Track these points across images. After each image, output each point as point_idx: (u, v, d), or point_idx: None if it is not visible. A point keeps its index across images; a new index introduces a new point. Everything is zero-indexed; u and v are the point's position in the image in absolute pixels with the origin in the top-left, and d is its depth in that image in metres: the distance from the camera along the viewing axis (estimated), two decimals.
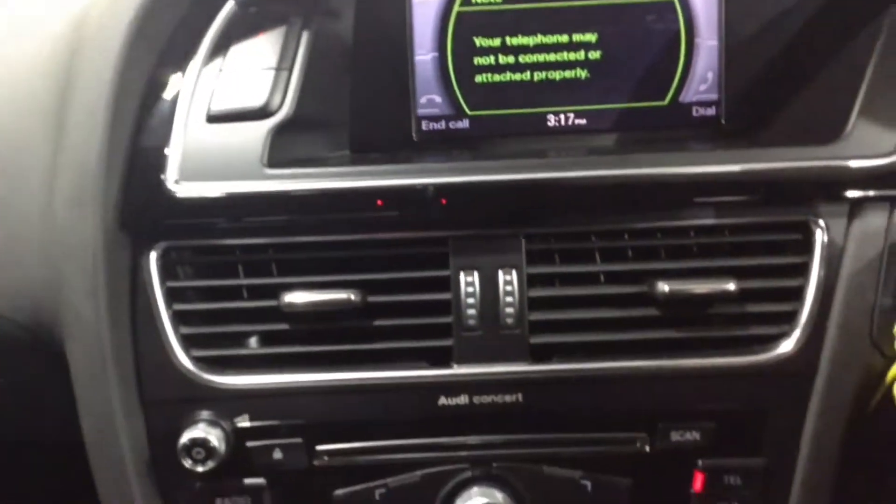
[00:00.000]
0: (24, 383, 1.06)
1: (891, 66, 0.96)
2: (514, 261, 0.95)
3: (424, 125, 1.07)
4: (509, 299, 0.94)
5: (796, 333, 0.94)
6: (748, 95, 1.05)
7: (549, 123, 1.07)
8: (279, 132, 0.96)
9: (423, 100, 1.06)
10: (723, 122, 1.06)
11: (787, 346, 0.94)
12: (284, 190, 0.93)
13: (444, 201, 0.94)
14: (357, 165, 0.98)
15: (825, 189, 0.94)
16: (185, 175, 0.93)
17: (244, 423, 0.95)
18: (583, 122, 1.06)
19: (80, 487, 1.00)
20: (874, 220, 0.93)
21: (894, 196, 0.93)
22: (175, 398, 0.95)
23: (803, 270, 0.95)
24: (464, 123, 1.07)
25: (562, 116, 1.06)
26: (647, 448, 0.96)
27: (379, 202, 0.94)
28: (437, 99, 1.06)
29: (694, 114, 1.07)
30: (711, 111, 1.06)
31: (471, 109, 1.06)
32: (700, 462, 0.97)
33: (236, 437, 0.95)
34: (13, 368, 1.04)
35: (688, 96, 1.06)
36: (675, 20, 1.04)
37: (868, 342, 0.93)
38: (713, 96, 1.06)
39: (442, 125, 1.07)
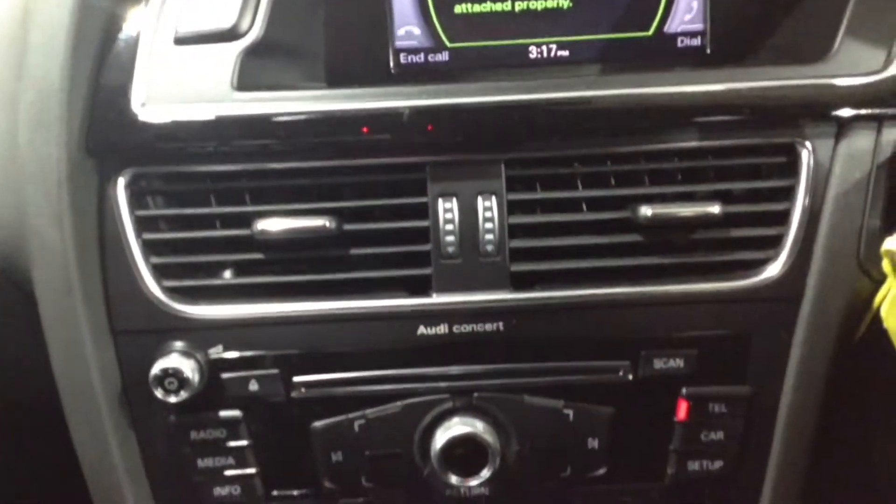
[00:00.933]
0: None
1: None
2: (494, 187, 0.93)
3: (403, 58, 1.03)
4: (489, 226, 0.92)
5: (782, 257, 0.92)
6: (733, 24, 1.02)
7: (530, 55, 1.03)
8: (249, 56, 0.93)
9: (400, 31, 1.02)
10: (708, 52, 1.03)
11: (772, 270, 0.93)
12: (254, 114, 0.90)
13: (430, 127, 0.91)
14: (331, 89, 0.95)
15: (811, 109, 0.91)
16: (151, 98, 0.90)
17: (218, 354, 0.93)
18: (565, 53, 1.03)
19: (58, 451, 0.98)
20: (861, 141, 0.91)
21: (882, 115, 0.91)
22: (146, 329, 0.93)
23: (789, 194, 0.93)
24: (443, 56, 1.03)
25: (544, 48, 1.03)
26: (630, 376, 0.95)
27: (364, 129, 0.91)
28: (416, 31, 1.02)
29: (679, 44, 1.03)
30: (696, 41, 1.03)
31: (450, 41, 1.02)
32: (684, 390, 0.95)
33: (210, 369, 0.93)
34: None
35: (672, 26, 1.02)
36: None
37: (855, 265, 0.91)
38: (698, 26, 1.03)
39: (421, 58, 1.03)
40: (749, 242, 0.94)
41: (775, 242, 0.93)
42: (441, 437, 0.93)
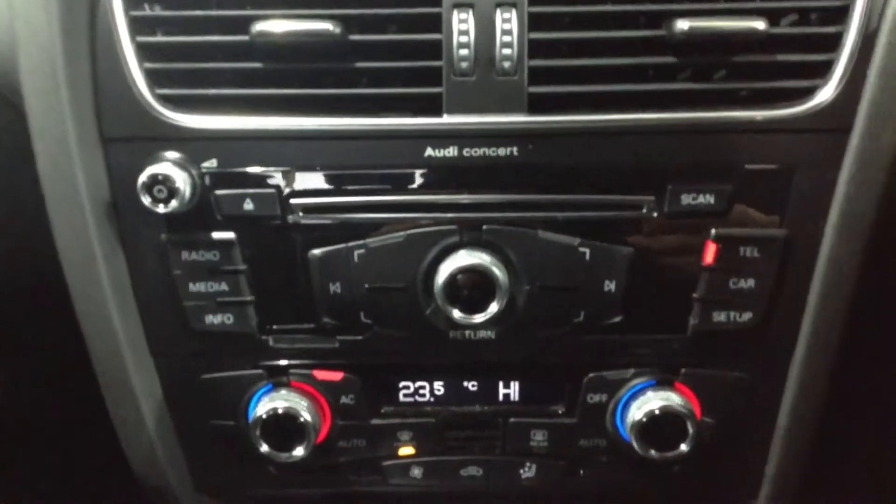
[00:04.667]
0: None
1: None
2: None
3: None
4: (507, 40, 0.84)
5: (832, 84, 0.84)
6: None
7: None
8: None
9: None
10: None
11: (821, 97, 0.84)
12: None
13: None
14: None
15: None
16: None
17: (212, 167, 0.87)
18: None
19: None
20: None
21: None
22: (137, 136, 0.87)
23: (843, 14, 0.84)
24: None
25: None
26: (655, 213, 0.87)
27: None
28: None
29: None
30: None
31: None
32: (713, 231, 0.87)
33: (203, 184, 0.87)
34: None
35: None
36: None
37: None
38: None
39: None
40: (796, 69, 0.85)
41: (825, 69, 0.84)
42: (446, 270, 0.86)
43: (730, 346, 0.92)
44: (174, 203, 0.84)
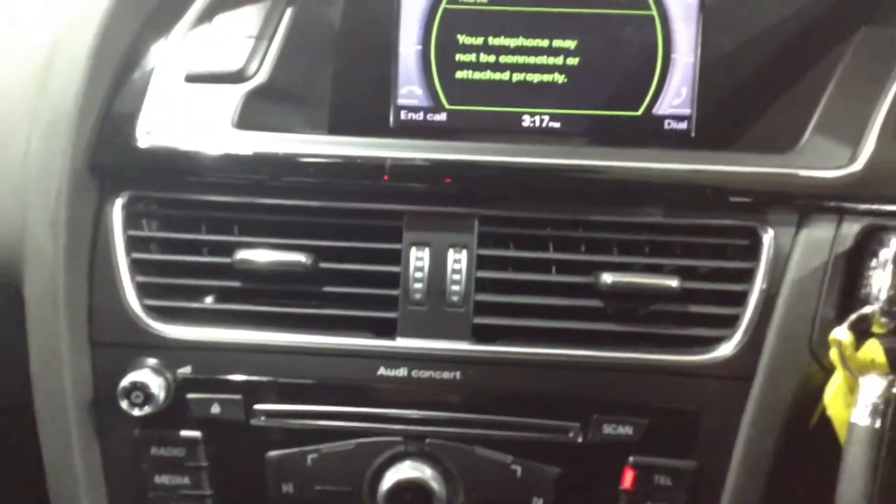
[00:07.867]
0: None
1: (851, 85, 0.97)
2: (466, 241, 0.97)
3: (403, 115, 1.09)
4: (457, 277, 0.96)
5: (737, 337, 0.95)
6: (718, 111, 1.07)
7: (523, 123, 1.08)
8: (253, 98, 1.00)
9: (403, 90, 1.09)
10: (692, 135, 1.07)
11: (726, 348, 0.95)
12: (246, 153, 0.96)
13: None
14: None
15: (775, 197, 0.95)
16: (156, 128, 0.97)
17: (186, 374, 0.97)
18: (557, 125, 1.08)
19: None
20: (821, 232, 0.94)
21: (842, 209, 0.94)
22: (123, 343, 0.97)
23: (749, 276, 0.95)
24: (441, 116, 1.09)
25: (537, 118, 1.08)
26: (580, 439, 0.96)
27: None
28: (418, 91, 1.08)
29: (666, 126, 1.08)
30: (683, 125, 1.08)
31: (449, 104, 1.08)
32: (631, 458, 0.97)
33: (177, 388, 0.97)
34: None
35: (661, 109, 1.07)
36: (653, 34, 1.06)
37: (807, 351, 0.93)
38: (686, 111, 1.07)
39: (420, 116, 1.09)
40: (706, 319, 0.96)
41: (731, 322, 0.95)
42: (389, 480, 0.95)
43: None
44: (148, 408, 0.94)
